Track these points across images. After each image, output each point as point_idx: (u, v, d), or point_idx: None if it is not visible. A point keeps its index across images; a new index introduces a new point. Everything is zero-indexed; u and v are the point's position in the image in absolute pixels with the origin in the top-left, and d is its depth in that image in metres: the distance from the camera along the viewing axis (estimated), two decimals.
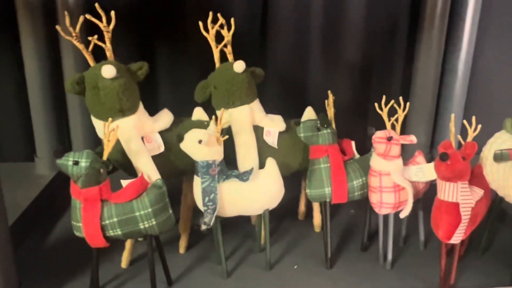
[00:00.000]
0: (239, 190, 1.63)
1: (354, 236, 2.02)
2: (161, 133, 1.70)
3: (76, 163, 1.42)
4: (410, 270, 1.78)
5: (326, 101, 1.83)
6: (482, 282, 1.71)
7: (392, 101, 1.69)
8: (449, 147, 1.50)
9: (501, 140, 1.71)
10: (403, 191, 1.67)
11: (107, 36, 1.57)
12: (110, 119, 1.50)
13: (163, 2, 2.42)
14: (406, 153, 1.87)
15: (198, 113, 1.83)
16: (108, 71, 1.49)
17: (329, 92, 1.82)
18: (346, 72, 2.64)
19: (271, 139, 1.81)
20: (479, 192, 1.57)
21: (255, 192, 1.66)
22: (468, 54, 2.53)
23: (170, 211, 1.56)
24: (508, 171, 1.62)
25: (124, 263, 1.79)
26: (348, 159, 1.81)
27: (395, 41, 2.63)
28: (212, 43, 1.78)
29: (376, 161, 1.66)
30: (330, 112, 1.82)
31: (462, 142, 1.53)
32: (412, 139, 1.64)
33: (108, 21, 1.56)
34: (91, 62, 1.57)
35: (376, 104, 1.70)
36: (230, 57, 1.81)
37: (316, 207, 2.04)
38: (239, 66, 1.73)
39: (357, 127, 2.59)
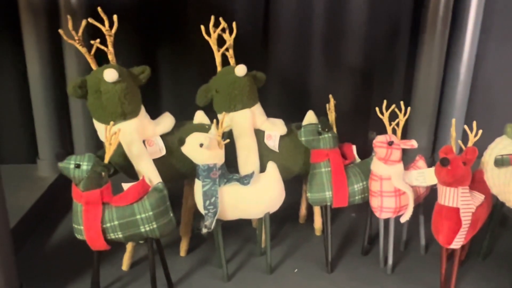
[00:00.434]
0: (240, 194, 1.64)
1: (355, 240, 2.02)
2: (163, 136, 1.70)
3: (77, 166, 1.42)
4: (411, 275, 1.78)
5: (327, 105, 1.83)
6: (483, 287, 1.70)
7: (393, 106, 1.69)
8: (450, 152, 1.50)
9: (502, 145, 1.71)
10: (404, 196, 1.67)
11: (109, 40, 1.58)
12: (111, 122, 1.50)
13: (165, 6, 2.43)
14: (407, 157, 1.87)
15: (200, 117, 1.84)
16: (110, 75, 1.50)
17: (330, 96, 1.83)
18: (347, 76, 2.64)
19: (272, 142, 1.82)
20: (479, 197, 1.57)
21: (256, 196, 1.66)
22: (469, 59, 2.53)
23: (171, 215, 1.56)
24: (509, 176, 1.62)
25: (125, 266, 1.80)
26: (349, 163, 1.81)
27: (397, 45, 2.64)
28: (214, 47, 1.79)
29: (377, 166, 1.66)
30: (331, 116, 1.82)
31: (463, 147, 1.53)
32: (413, 143, 1.64)
33: (111, 25, 1.57)
34: (93, 65, 1.57)
35: (377, 109, 1.70)
36: (231, 61, 1.82)
37: (317, 210, 2.04)
38: (241, 70, 1.73)
39: (358, 131, 2.59)
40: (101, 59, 1.59)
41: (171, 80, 2.57)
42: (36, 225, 2.09)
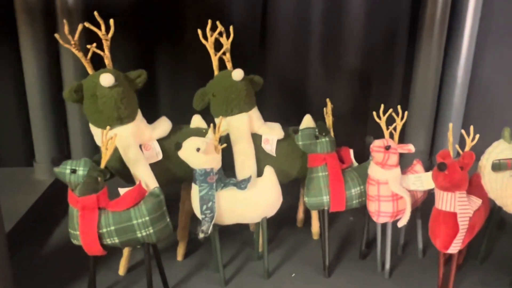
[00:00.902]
0: (237, 198, 1.63)
1: (353, 244, 2.01)
2: (159, 140, 1.70)
3: (73, 171, 1.42)
4: (408, 279, 1.78)
5: (324, 109, 1.83)
6: None
7: (391, 110, 1.69)
8: (447, 157, 1.50)
9: (499, 150, 1.71)
10: (401, 200, 1.67)
11: (106, 44, 1.57)
12: (108, 127, 1.50)
13: (162, 10, 2.43)
14: (405, 162, 1.87)
15: (197, 121, 1.83)
16: (107, 79, 1.49)
17: (327, 100, 1.82)
18: (344, 80, 2.64)
19: (270, 147, 1.81)
20: (477, 202, 1.57)
21: (253, 200, 1.66)
22: (467, 62, 2.53)
23: (168, 220, 1.55)
24: (507, 180, 1.62)
25: (121, 271, 1.79)
26: (347, 167, 1.81)
27: (394, 49, 2.63)
28: (211, 51, 1.78)
29: (374, 170, 1.66)
30: (329, 120, 1.82)
31: (460, 152, 1.53)
32: (410, 148, 1.64)
33: (107, 29, 1.56)
34: (89, 70, 1.57)
35: (374, 113, 1.70)
36: (229, 65, 1.82)
37: (314, 214, 2.04)
38: (238, 74, 1.73)
39: (356, 135, 2.59)
40: (98, 63, 1.58)
41: (168, 84, 2.56)
42: (32, 229, 2.08)
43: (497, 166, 1.63)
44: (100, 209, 1.47)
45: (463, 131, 1.58)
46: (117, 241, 1.49)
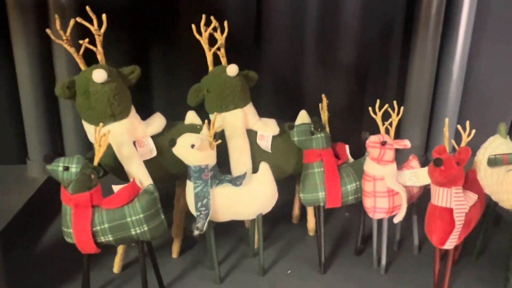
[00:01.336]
0: (232, 195, 1.62)
1: (348, 240, 2.01)
2: (153, 137, 1.68)
3: (66, 168, 1.39)
4: (404, 275, 1.77)
5: (320, 104, 1.82)
6: (476, 286, 1.70)
7: (386, 105, 1.68)
8: (443, 152, 1.49)
9: (495, 145, 1.70)
10: (397, 196, 1.67)
11: (98, 40, 1.55)
12: (101, 124, 1.48)
13: (156, 5, 2.40)
14: (401, 157, 1.86)
15: (191, 117, 1.81)
16: (99, 75, 1.47)
17: (323, 95, 1.81)
18: (340, 76, 2.63)
19: (265, 143, 1.80)
20: (473, 197, 1.56)
21: (248, 197, 1.65)
22: (463, 58, 2.52)
23: (162, 217, 1.54)
24: (502, 176, 1.62)
25: (116, 268, 1.77)
26: (342, 163, 1.80)
27: (390, 44, 2.63)
28: (205, 46, 1.76)
29: (370, 166, 1.65)
30: (324, 115, 1.81)
31: (456, 147, 1.52)
32: (406, 143, 1.64)
33: (100, 24, 1.54)
34: (82, 66, 1.55)
35: (370, 108, 1.69)
36: (223, 60, 1.80)
37: (310, 211, 2.03)
38: (232, 69, 1.71)
39: (352, 130, 2.58)
40: (92, 59, 1.56)
41: (162, 80, 2.54)
42: (25, 228, 2.06)
43: (493, 161, 1.62)
44: (93, 206, 1.45)
45: (459, 127, 1.57)
46: (111, 239, 1.48)
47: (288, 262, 1.86)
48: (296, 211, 2.14)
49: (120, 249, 1.76)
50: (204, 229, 1.57)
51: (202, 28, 1.74)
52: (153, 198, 1.50)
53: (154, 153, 1.66)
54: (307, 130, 1.72)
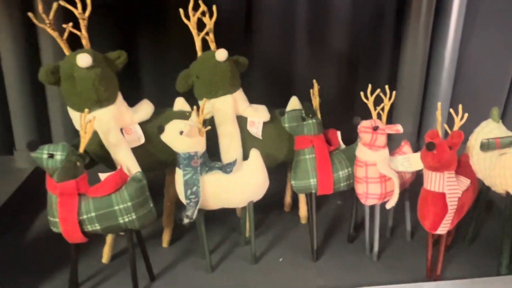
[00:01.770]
0: (222, 182, 1.59)
1: (341, 227, 1.99)
2: (141, 124, 1.64)
3: (51, 156, 1.36)
4: (397, 261, 1.76)
5: (311, 90, 1.79)
6: (469, 272, 1.69)
7: (378, 90, 1.66)
8: (436, 137, 1.47)
9: (488, 129, 1.69)
10: (390, 182, 1.65)
11: (83, 24, 1.51)
12: (86, 110, 1.44)
13: None
14: (393, 143, 1.85)
15: (180, 103, 1.78)
16: (84, 60, 1.43)
17: (314, 81, 1.79)
18: (332, 61, 2.60)
19: (255, 129, 1.77)
20: (465, 182, 1.55)
21: (238, 184, 1.62)
22: (454, 43, 2.50)
23: (151, 205, 1.51)
24: (495, 160, 1.61)
25: (105, 258, 1.75)
26: (334, 149, 1.78)
27: (382, 30, 2.60)
28: (194, 31, 1.73)
29: (362, 151, 1.63)
30: (315, 101, 1.78)
31: (449, 131, 1.50)
32: (398, 128, 1.61)
33: (84, 8, 1.50)
34: (66, 50, 1.50)
35: (362, 93, 1.66)
36: (212, 45, 1.76)
37: (302, 198, 2.01)
38: (221, 54, 1.68)
39: (343, 116, 2.55)
40: (78, 45, 1.52)
41: (150, 65, 2.49)
42: (12, 218, 2.02)
43: (486, 146, 1.61)
44: (80, 195, 1.42)
45: (451, 110, 1.55)
46: (98, 227, 1.45)
47: (280, 250, 1.84)
48: (287, 199, 2.12)
49: (109, 238, 1.74)
50: (194, 217, 1.55)
51: (190, 13, 1.70)
52: (141, 186, 1.47)
53: (142, 140, 1.63)
54: (298, 116, 1.69)
